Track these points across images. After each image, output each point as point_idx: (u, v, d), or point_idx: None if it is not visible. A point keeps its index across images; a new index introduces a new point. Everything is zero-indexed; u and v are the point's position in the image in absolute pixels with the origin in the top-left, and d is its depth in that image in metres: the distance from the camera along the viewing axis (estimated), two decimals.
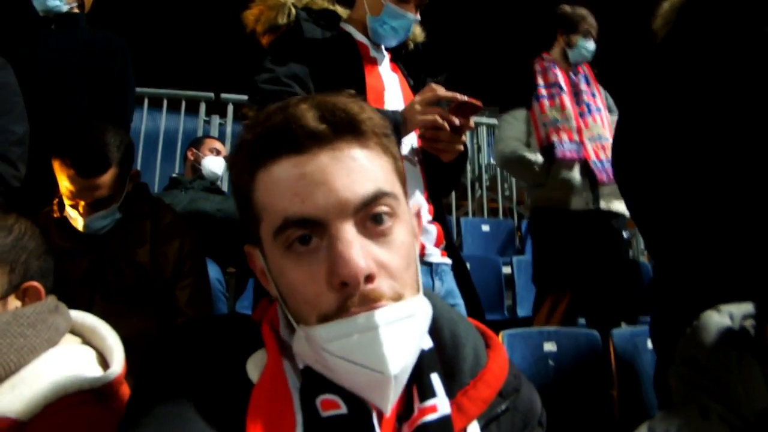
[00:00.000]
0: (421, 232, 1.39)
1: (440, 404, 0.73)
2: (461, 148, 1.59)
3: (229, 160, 0.80)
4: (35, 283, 1.04)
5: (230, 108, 5.21)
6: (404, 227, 0.75)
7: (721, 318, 1.08)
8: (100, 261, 1.95)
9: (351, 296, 0.68)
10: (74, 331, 1.10)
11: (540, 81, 3.33)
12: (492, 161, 6.81)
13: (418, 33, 1.92)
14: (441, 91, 1.50)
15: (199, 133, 5.06)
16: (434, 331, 0.81)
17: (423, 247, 1.62)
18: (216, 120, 5.22)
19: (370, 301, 0.68)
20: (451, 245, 1.75)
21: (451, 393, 0.77)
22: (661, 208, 1.54)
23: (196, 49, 7.97)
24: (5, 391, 0.89)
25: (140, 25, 6.70)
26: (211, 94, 5.17)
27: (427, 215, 1.69)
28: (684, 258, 1.50)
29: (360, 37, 1.80)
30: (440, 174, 1.73)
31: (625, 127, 1.68)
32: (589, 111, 3.27)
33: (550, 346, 2.86)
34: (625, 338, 3.05)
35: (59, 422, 0.88)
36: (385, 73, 1.79)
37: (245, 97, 5.12)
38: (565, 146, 3.20)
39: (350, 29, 1.82)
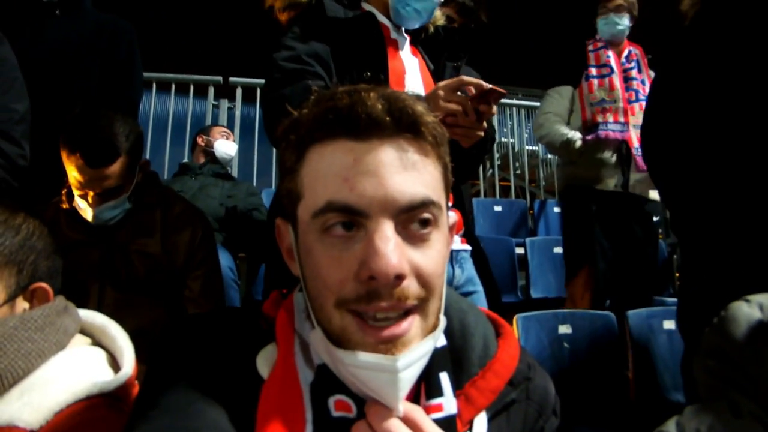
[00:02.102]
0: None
1: (446, 404, 0.73)
2: (481, 134, 1.55)
3: (281, 131, 0.78)
4: (43, 284, 1.02)
5: (239, 91, 5.19)
6: (442, 237, 0.74)
7: (750, 309, 1.04)
8: (111, 252, 1.93)
9: (378, 291, 0.66)
10: (84, 331, 1.08)
11: (591, 61, 3.39)
12: (503, 139, 6.78)
13: (438, 16, 1.87)
14: (466, 78, 1.46)
15: (208, 117, 5.08)
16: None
17: None
18: (225, 104, 5.20)
19: (397, 300, 0.67)
20: (469, 231, 1.74)
21: (459, 383, 0.77)
22: (692, 192, 1.51)
23: (204, 33, 7.92)
24: (13, 399, 0.86)
25: (147, 9, 6.65)
26: (219, 78, 5.14)
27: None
28: (714, 243, 1.47)
29: (381, 18, 1.76)
30: (460, 159, 1.69)
31: (655, 109, 1.64)
32: (637, 98, 3.30)
33: (565, 329, 2.86)
34: (641, 319, 3.04)
35: (70, 429, 0.86)
36: (405, 56, 1.75)
37: (254, 81, 5.17)
38: (609, 126, 3.27)
39: (372, 9, 1.77)
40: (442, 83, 1.48)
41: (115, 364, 1.03)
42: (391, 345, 0.67)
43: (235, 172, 4.54)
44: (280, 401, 0.69)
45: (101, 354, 1.04)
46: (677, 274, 4.65)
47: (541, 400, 0.84)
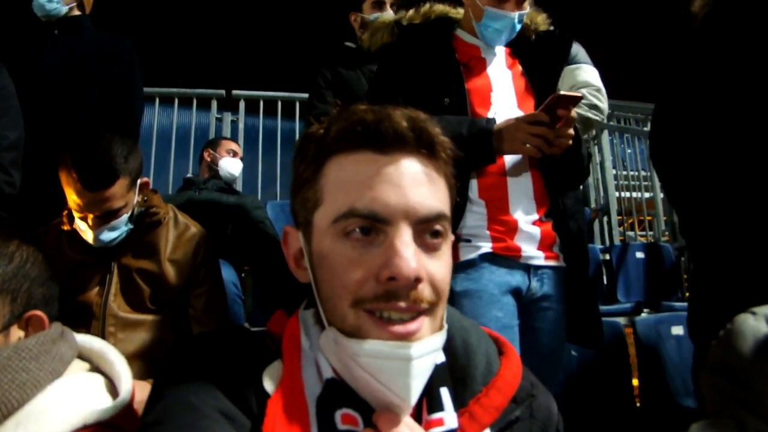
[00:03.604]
0: (519, 237, 1.65)
1: (447, 418, 0.75)
2: (569, 142, 1.60)
3: (300, 142, 0.83)
4: (38, 312, 1.01)
5: (242, 104, 5.20)
6: (449, 249, 0.79)
7: (757, 322, 1.02)
8: (113, 272, 1.92)
9: (396, 292, 0.70)
10: (82, 356, 1.07)
11: None
12: None
13: (540, 21, 1.93)
14: (541, 116, 1.56)
15: (212, 130, 5.08)
16: (446, 340, 0.81)
17: (519, 249, 1.65)
18: (228, 117, 5.21)
19: (413, 301, 0.71)
20: (574, 248, 1.75)
21: (463, 401, 0.79)
22: (703, 196, 1.49)
23: (206, 46, 7.96)
24: (9, 430, 0.85)
25: (149, 24, 6.69)
26: (222, 91, 5.16)
27: (533, 215, 1.70)
28: (726, 248, 1.45)
29: (471, 39, 1.85)
30: (557, 169, 1.74)
31: (664, 112, 1.62)
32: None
33: None
34: (649, 325, 3.01)
35: None
36: (495, 73, 1.81)
37: (256, 93, 5.19)
38: None
39: (462, 33, 1.87)
40: (517, 126, 1.59)
41: (114, 390, 1.02)
42: (404, 341, 0.70)
43: (239, 185, 4.54)
44: (286, 416, 0.70)
45: (99, 380, 1.03)
46: (685, 276, 4.62)
47: (544, 418, 0.86)
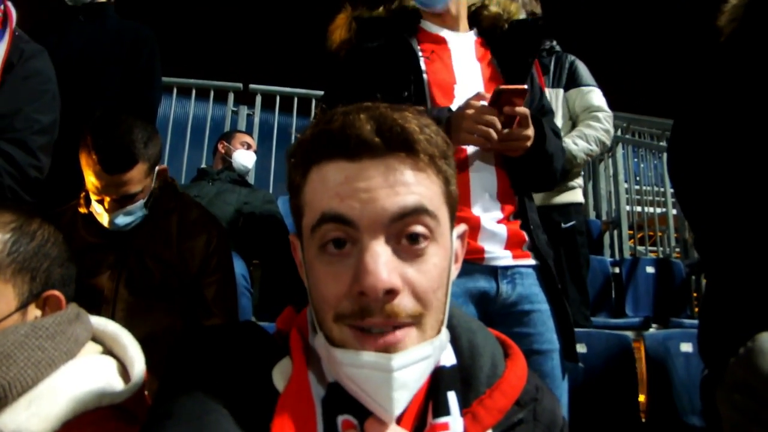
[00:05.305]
0: (481, 236, 1.56)
1: (453, 423, 0.74)
2: (526, 144, 1.53)
3: (288, 152, 0.82)
4: (56, 292, 1.01)
5: (258, 98, 5.22)
6: (440, 250, 0.74)
7: None
8: (126, 256, 1.93)
9: (369, 307, 0.68)
10: (95, 339, 1.06)
11: None
12: None
13: (513, 10, 1.85)
14: (471, 102, 1.50)
15: (227, 123, 5.10)
16: (452, 340, 0.81)
17: (482, 251, 1.56)
18: (244, 110, 5.24)
19: (387, 316, 0.68)
20: (536, 246, 1.65)
21: (467, 402, 0.78)
22: (721, 213, 1.47)
23: (226, 40, 8.00)
24: (21, 408, 0.85)
25: (170, 15, 6.72)
26: (240, 85, 5.18)
27: (498, 214, 1.62)
28: (741, 267, 1.43)
29: (436, 29, 1.77)
30: (521, 169, 1.67)
31: (684, 126, 1.60)
32: None
33: (579, 348, 2.81)
34: (658, 341, 2.99)
35: None
36: (460, 64, 1.73)
37: (273, 88, 5.22)
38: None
39: (426, 24, 1.80)
40: (461, 115, 1.51)
41: (125, 374, 1.02)
42: (385, 351, 0.68)
43: (252, 179, 4.56)
44: (295, 416, 0.69)
45: (112, 363, 1.02)
46: (695, 294, 4.59)
47: (548, 422, 0.84)
